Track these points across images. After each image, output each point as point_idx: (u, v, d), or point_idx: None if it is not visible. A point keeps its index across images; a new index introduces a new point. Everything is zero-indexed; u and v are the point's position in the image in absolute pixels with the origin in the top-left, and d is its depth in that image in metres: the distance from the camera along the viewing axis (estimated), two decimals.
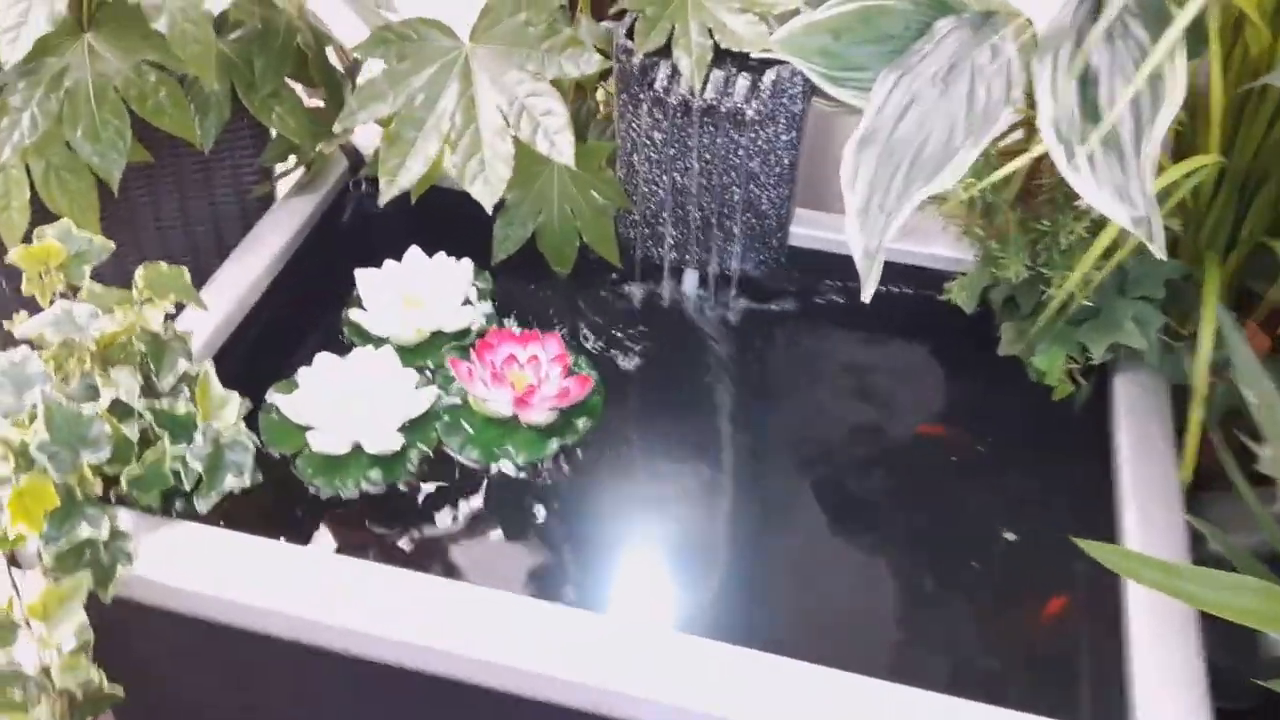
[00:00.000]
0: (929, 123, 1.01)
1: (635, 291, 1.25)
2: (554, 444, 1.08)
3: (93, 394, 0.91)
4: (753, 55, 1.06)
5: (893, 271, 1.24)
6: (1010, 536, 1.00)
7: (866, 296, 0.98)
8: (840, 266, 1.25)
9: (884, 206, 1.00)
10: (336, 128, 1.05)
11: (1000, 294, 1.11)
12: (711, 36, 1.07)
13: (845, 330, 1.23)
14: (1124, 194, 0.89)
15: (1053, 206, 1.05)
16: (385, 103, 1.03)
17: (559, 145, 1.00)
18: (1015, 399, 1.13)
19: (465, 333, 1.18)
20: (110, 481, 0.91)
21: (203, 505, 0.91)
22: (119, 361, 0.94)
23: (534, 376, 1.09)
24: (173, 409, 0.93)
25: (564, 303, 1.24)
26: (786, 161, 1.11)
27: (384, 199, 1.02)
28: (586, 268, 1.26)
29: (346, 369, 1.10)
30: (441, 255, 1.21)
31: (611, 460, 1.08)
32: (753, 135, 1.09)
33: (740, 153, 1.11)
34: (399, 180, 1.02)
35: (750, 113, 1.06)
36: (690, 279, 1.25)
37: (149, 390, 0.94)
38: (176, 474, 0.91)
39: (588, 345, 1.19)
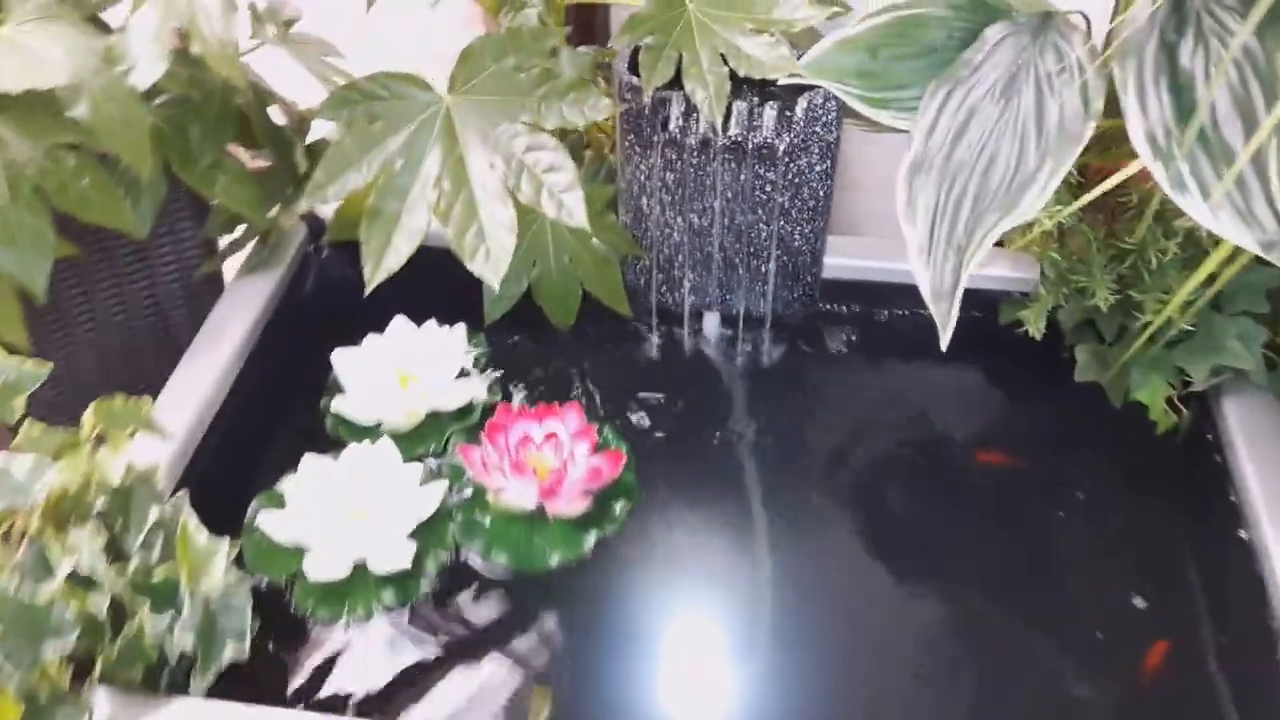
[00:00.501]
0: (992, 143, 0.88)
1: (651, 342, 1.12)
2: (591, 537, 0.94)
3: (46, 567, 0.76)
4: (778, 81, 0.92)
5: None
6: (1139, 603, 0.89)
7: (944, 343, 0.86)
8: (876, 295, 1.13)
9: (952, 240, 0.88)
10: (303, 205, 0.89)
11: (1071, 316, 1.00)
12: (726, 63, 0.93)
13: (891, 366, 1.10)
14: (1248, 215, 0.77)
15: (1139, 222, 0.93)
16: (358, 171, 0.87)
17: (569, 206, 0.86)
18: (1097, 430, 1.02)
19: (468, 410, 1.04)
20: (83, 662, 0.76)
21: (199, 685, 0.77)
22: (75, 519, 0.78)
23: (557, 459, 0.95)
24: (148, 571, 0.77)
25: (572, 362, 1.10)
26: (821, 193, 0.98)
27: (370, 286, 0.87)
28: (592, 320, 1.12)
29: (338, 472, 0.96)
30: (431, 323, 1.06)
31: (661, 550, 0.95)
32: (783, 169, 0.96)
33: (768, 188, 0.97)
34: (385, 262, 0.86)
35: (782, 147, 0.93)
36: (711, 322, 1.11)
37: (115, 551, 0.79)
38: (162, 649, 0.76)
39: (607, 409, 1.06)
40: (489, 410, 1.03)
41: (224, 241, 1.11)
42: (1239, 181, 0.78)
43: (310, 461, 0.95)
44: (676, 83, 0.93)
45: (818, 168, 0.96)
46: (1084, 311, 0.99)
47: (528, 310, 1.09)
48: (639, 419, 1.05)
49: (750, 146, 0.93)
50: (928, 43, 0.92)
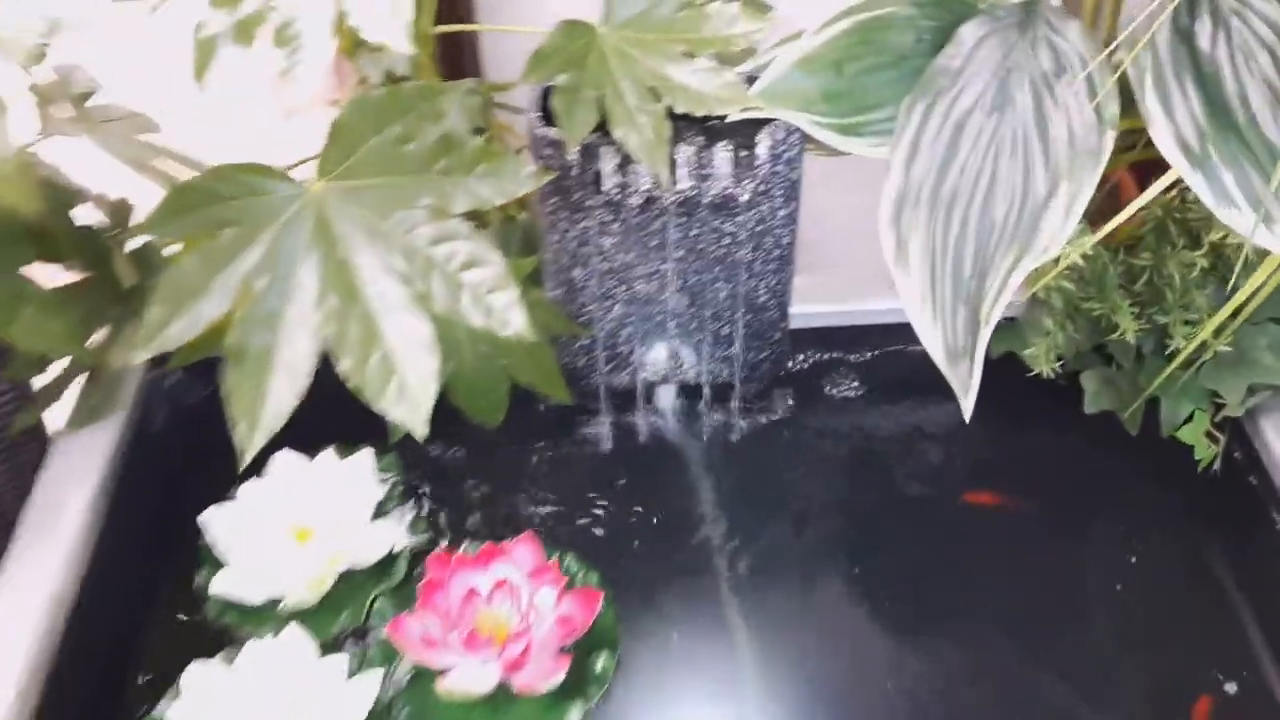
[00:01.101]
0: (989, 165, 0.72)
1: (603, 432, 0.92)
2: (574, 713, 0.75)
3: None
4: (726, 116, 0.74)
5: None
6: (1231, 689, 0.75)
7: (967, 412, 0.70)
8: (848, 339, 0.97)
9: (960, 289, 0.71)
10: (139, 353, 0.66)
11: (1075, 344, 0.85)
12: (658, 99, 0.74)
13: (875, 417, 0.94)
14: None
15: (1159, 237, 0.79)
16: (209, 299, 0.65)
17: (500, 311, 0.66)
18: (1111, 461, 0.88)
19: (390, 564, 0.83)
20: None
21: None
22: None
23: (515, 614, 0.75)
24: None
25: (510, 470, 0.90)
26: (786, 240, 0.80)
27: (246, 456, 0.65)
28: (526, 412, 0.92)
29: (236, 682, 0.74)
30: (328, 454, 0.85)
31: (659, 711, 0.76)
32: (742, 218, 0.77)
33: (725, 241, 0.79)
34: (263, 420, 0.65)
35: (745, 196, 0.74)
36: (669, 399, 0.93)
37: None
38: None
39: (562, 528, 0.86)
40: (418, 558, 0.83)
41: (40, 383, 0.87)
42: None
43: (196, 674, 0.73)
44: (604, 128, 0.73)
45: (781, 212, 0.78)
46: (1094, 339, 0.84)
47: (447, 409, 0.88)
48: (601, 533, 0.86)
49: (707, 200, 0.74)
50: (898, 49, 0.75)
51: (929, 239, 0.72)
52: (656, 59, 0.75)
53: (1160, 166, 0.81)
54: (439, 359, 0.65)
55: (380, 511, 0.85)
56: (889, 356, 0.96)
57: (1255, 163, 0.67)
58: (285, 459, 0.84)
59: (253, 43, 0.61)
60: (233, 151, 0.73)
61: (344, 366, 0.65)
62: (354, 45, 0.88)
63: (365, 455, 0.86)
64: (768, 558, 0.84)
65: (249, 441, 0.65)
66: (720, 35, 0.76)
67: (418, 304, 0.66)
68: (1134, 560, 0.83)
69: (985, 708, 0.75)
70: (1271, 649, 0.77)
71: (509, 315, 0.66)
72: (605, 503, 0.87)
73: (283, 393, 0.65)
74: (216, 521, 0.82)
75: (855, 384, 0.96)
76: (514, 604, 0.76)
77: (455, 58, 1.17)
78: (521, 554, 0.78)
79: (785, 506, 0.88)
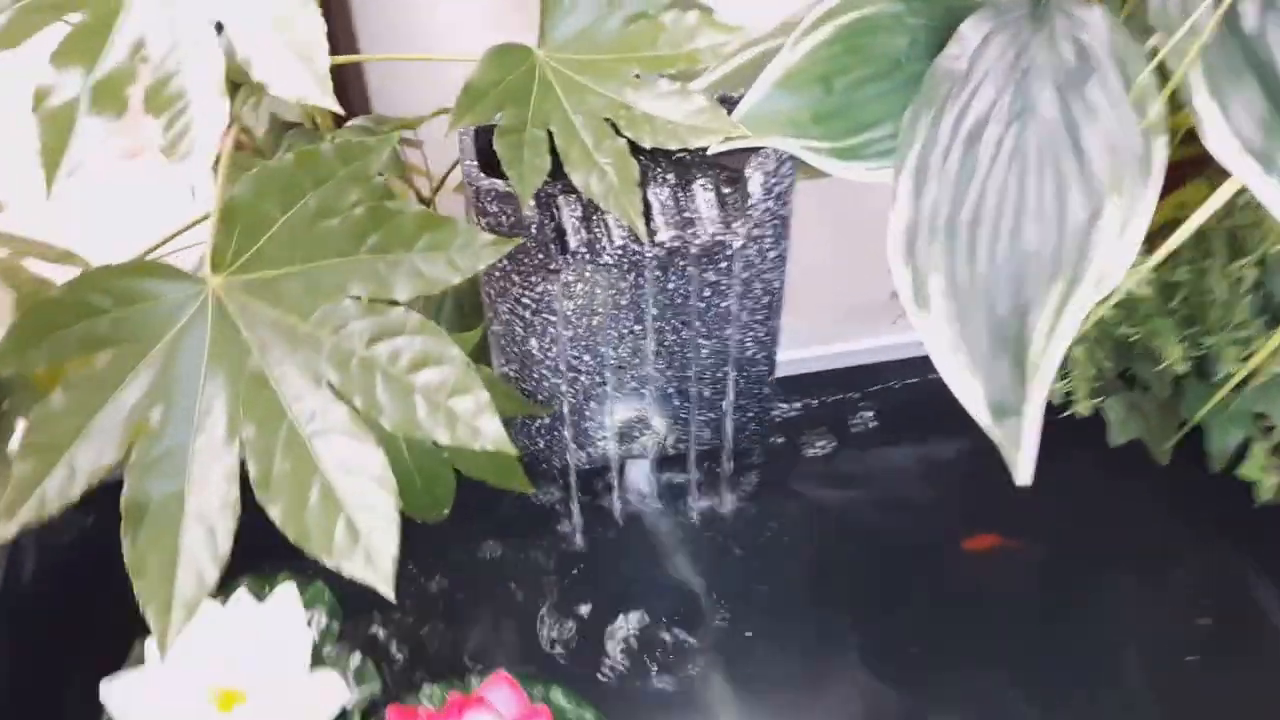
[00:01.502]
0: (1014, 183, 0.62)
1: (572, 523, 0.79)
2: None
3: None
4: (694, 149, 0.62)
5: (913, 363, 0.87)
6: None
7: (1024, 477, 0.59)
8: (831, 383, 0.86)
9: (999, 331, 0.61)
10: (7, 528, 0.51)
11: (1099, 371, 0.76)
12: (618, 133, 0.61)
13: (875, 469, 0.84)
14: None
15: (1198, 248, 0.70)
16: (89, 445, 0.50)
17: (468, 419, 0.53)
18: (1139, 495, 0.80)
19: None
20: None
21: None
22: None
23: None
24: None
25: (466, 583, 0.77)
26: (776, 284, 0.69)
27: (162, 651, 0.50)
28: (477, 508, 0.79)
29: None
30: (240, 593, 0.70)
31: None
32: (725, 264, 0.66)
33: (708, 293, 0.67)
34: (180, 593, 0.50)
35: (738, 242, 0.62)
36: (639, 472, 0.81)
37: None
38: None
39: (535, 654, 0.73)
40: (370, 712, 0.68)
41: None
42: None
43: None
44: (558, 173, 0.61)
45: (771, 254, 0.66)
46: (1120, 364, 0.75)
47: None
48: (586, 655, 0.73)
49: (694, 250, 0.62)
50: (889, 55, 0.65)
51: (951, 274, 0.61)
52: (611, 84, 0.63)
53: (1188, 169, 0.73)
54: (394, 496, 0.51)
55: (318, 657, 0.70)
56: (877, 397, 0.86)
57: None
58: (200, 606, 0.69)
59: (124, 110, 0.47)
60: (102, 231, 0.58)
61: (276, 513, 0.51)
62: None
63: (288, 591, 0.71)
64: (778, 651, 0.73)
65: (165, 626, 0.50)
66: (681, 52, 0.64)
67: (360, 423, 0.52)
68: (1171, 608, 0.75)
69: None
70: None
71: (479, 423, 0.53)
72: (586, 611, 0.75)
73: (201, 556, 0.51)
74: (119, 695, 0.66)
75: (848, 431, 0.85)
76: None
77: (340, 92, 1.02)
78: (500, 698, 0.65)
79: (790, 583, 0.77)
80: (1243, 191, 0.60)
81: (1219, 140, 0.57)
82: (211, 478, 0.52)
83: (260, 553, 0.70)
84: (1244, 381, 0.72)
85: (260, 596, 0.70)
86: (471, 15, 1.30)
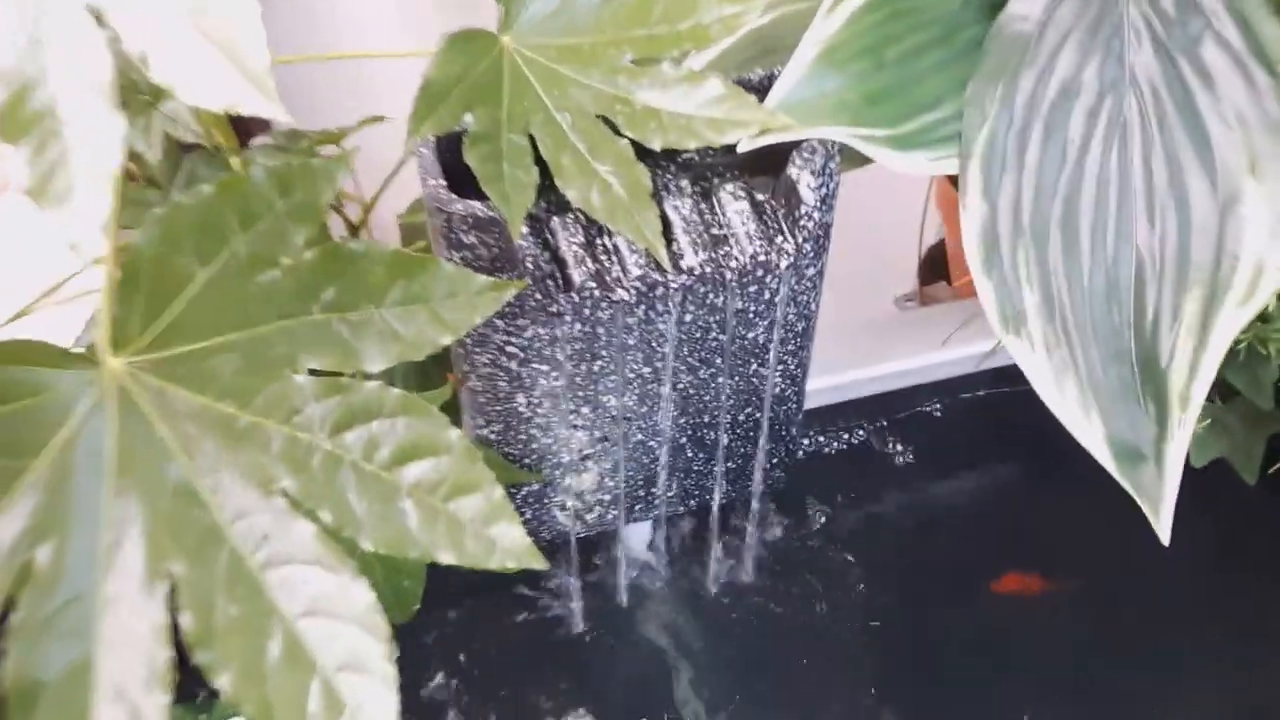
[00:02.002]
0: (1115, 170, 0.51)
1: (569, 609, 0.66)
2: None
3: None
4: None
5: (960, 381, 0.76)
6: None
7: (1164, 532, 0.49)
8: (857, 412, 0.75)
9: (1122, 352, 0.51)
10: None
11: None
12: (616, 132, 0.49)
13: (906, 508, 0.73)
14: None
15: None
16: None
17: (476, 528, 0.40)
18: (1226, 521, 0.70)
19: None
20: None
21: None
22: None
23: None
24: None
25: (436, 691, 0.63)
26: (813, 306, 0.57)
27: None
28: (455, 592, 0.66)
29: None
30: None
31: None
32: (755, 288, 0.54)
33: (734, 323, 0.55)
34: None
35: (785, 262, 0.50)
36: (640, 537, 0.68)
37: None
38: None
39: None
40: None
41: None
42: None
43: None
44: (547, 189, 0.48)
45: (810, 271, 0.54)
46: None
47: None
48: None
49: (729, 276, 0.50)
50: (942, 17, 0.53)
51: (1046, 287, 0.50)
52: (599, 74, 0.50)
53: None
54: (390, 639, 0.38)
55: None
56: (902, 427, 0.75)
57: None
58: None
59: None
60: None
61: (224, 683, 0.37)
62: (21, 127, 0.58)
63: None
64: None
65: None
66: (681, 29, 0.52)
67: (331, 545, 0.39)
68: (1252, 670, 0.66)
69: None
70: None
71: (494, 532, 0.39)
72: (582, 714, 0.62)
73: None
74: None
75: (874, 468, 0.74)
76: None
77: None
78: None
79: (829, 667, 0.65)
80: None
81: None
82: (130, 637, 0.37)
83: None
84: None
85: None
86: (384, 9, 1.15)
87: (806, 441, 0.74)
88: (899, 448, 0.74)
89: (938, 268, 0.90)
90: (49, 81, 0.33)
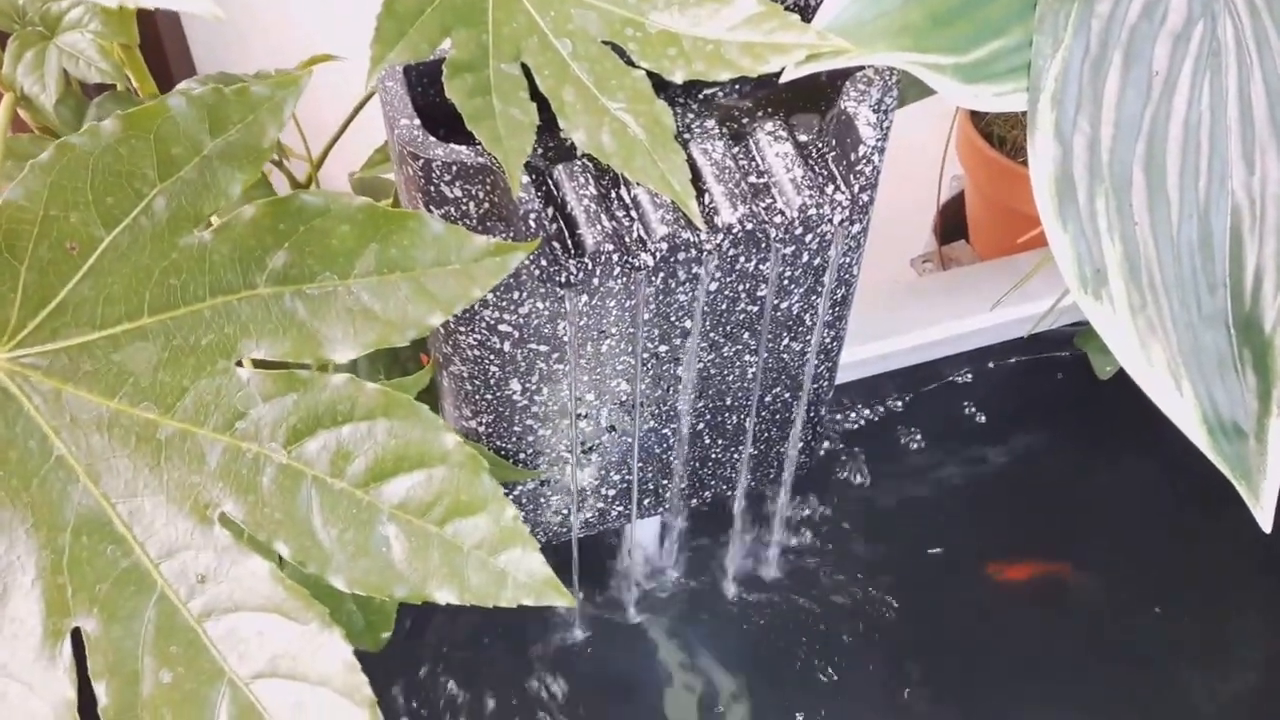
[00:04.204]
0: (1207, 105, 0.43)
1: (559, 613, 0.58)
2: None
3: None
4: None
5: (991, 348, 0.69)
6: None
7: (1265, 518, 0.42)
8: (892, 386, 0.67)
9: (1218, 316, 0.43)
10: None
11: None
12: (629, 61, 0.40)
13: (936, 488, 0.65)
14: None
15: None
16: None
17: (481, 557, 0.31)
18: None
19: None
20: None
21: None
22: None
23: None
24: None
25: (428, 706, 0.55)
26: (854, 271, 0.49)
27: None
28: (427, 615, 0.57)
29: None
30: None
31: None
32: (794, 248, 0.45)
33: (762, 291, 0.46)
34: None
35: (840, 215, 0.41)
36: (649, 535, 0.60)
37: None
38: None
39: None
40: None
41: None
42: None
43: None
44: (547, 131, 0.39)
45: (855, 227, 0.46)
46: None
47: None
48: None
49: (773, 233, 0.41)
50: None
51: (1129, 240, 0.42)
52: None
53: None
54: (372, 705, 0.29)
55: None
56: (926, 403, 0.67)
57: None
58: None
59: None
60: None
61: None
62: None
63: None
64: None
65: None
66: None
67: (292, 586, 0.30)
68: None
69: None
70: None
71: (504, 561, 0.31)
72: None
73: None
74: None
75: (893, 452, 0.66)
76: None
77: (149, 45, 0.76)
78: None
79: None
80: None
81: None
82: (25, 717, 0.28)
83: None
84: None
85: None
86: None
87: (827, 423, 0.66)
88: (921, 425, 0.66)
89: (957, 225, 0.82)
90: None
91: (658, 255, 0.39)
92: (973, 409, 0.68)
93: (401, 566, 0.30)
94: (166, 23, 0.79)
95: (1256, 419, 0.42)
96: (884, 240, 0.82)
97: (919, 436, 0.66)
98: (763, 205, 0.40)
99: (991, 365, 0.70)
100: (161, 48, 0.84)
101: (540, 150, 0.42)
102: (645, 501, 0.56)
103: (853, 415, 0.67)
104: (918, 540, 0.63)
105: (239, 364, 0.31)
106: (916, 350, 0.65)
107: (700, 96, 0.44)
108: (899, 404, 0.66)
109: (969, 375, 0.68)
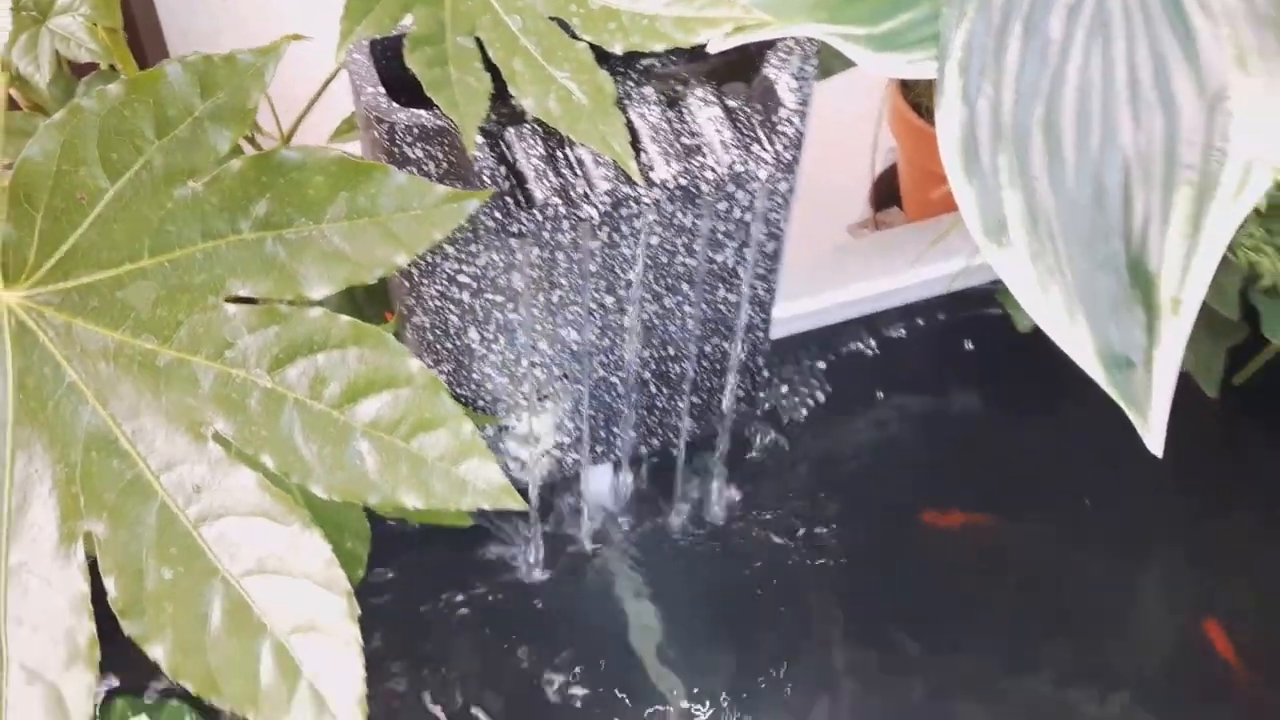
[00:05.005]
0: (1098, 68, 0.48)
1: (529, 557, 0.62)
2: None
3: None
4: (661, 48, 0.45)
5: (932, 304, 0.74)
6: None
7: (1156, 445, 0.47)
8: (825, 341, 0.72)
9: (1111, 259, 0.48)
10: None
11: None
12: (572, 35, 0.44)
13: (867, 437, 0.70)
14: None
15: None
16: None
17: (443, 467, 0.35)
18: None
19: None
20: None
21: None
22: None
23: None
24: None
25: (388, 651, 0.59)
26: (782, 226, 0.53)
27: None
28: (397, 555, 0.61)
29: None
30: None
31: None
32: (725, 206, 0.49)
33: (698, 245, 0.51)
34: None
35: (764, 172, 0.46)
36: (604, 481, 0.64)
37: None
38: None
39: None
40: None
41: None
42: None
43: None
44: (500, 98, 0.43)
45: (783, 185, 0.51)
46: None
47: None
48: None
49: (703, 188, 0.45)
50: None
51: (1029, 192, 0.47)
52: None
53: None
54: (350, 594, 0.34)
55: None
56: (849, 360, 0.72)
57: None
58: None
59: None
60: None
61: (160, 654, 0.32)
62: None
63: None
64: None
65: None
66: None
67: (278, 492, 0.34)
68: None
69: None
70: None
71: (465, 470, 0.35)
72: (555, 679, 0.58)
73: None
74: None
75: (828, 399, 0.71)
76: None
77: (131, 31, 0.80)
78: None
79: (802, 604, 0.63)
80: None
81: None
82: (44, 612, 0.32)
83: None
84: None
85: None
86: None
87: (767, 374, 0.70)
88: (856, 376, 0.71)
89: (891, 193, 0.87)
90: None
91: (601, 208, 0.44)
92: (904, 363, 0.73)
93: (374, 477, 0.35)
94: (141, 8, 0.82)
95: (1144, 350, 0.47)
96: (823, 208, 0.87)
97: (851, 390, 0.71)
98: (695, 162, 0.45)
99: (920, 322, 0.75)
100: (137, 32, 0.87)
101: (493, 115, 0.46)
102: (598, 448, 0.61)
103: (790, 370, 0.72)
104: (854, 487, 0.68)
105: (228, 300, 0.35)
106: (846, 306, 0.70)
107: (638, 66, 0.48)
108: (833, 358, 0.71)
109: (901, 330, 0.73)
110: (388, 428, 0.35)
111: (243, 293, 0.35)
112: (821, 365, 0.72)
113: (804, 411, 0.71)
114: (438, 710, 0.57)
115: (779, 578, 0.63)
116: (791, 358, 0.72)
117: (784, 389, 0.71)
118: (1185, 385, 0.66)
